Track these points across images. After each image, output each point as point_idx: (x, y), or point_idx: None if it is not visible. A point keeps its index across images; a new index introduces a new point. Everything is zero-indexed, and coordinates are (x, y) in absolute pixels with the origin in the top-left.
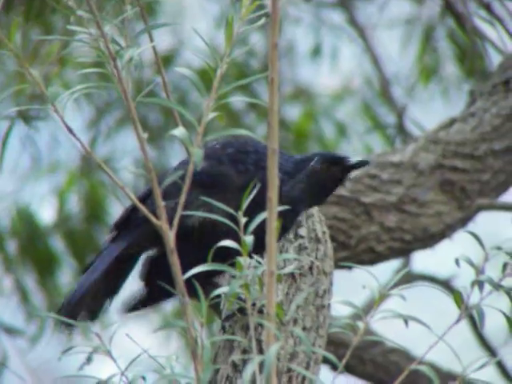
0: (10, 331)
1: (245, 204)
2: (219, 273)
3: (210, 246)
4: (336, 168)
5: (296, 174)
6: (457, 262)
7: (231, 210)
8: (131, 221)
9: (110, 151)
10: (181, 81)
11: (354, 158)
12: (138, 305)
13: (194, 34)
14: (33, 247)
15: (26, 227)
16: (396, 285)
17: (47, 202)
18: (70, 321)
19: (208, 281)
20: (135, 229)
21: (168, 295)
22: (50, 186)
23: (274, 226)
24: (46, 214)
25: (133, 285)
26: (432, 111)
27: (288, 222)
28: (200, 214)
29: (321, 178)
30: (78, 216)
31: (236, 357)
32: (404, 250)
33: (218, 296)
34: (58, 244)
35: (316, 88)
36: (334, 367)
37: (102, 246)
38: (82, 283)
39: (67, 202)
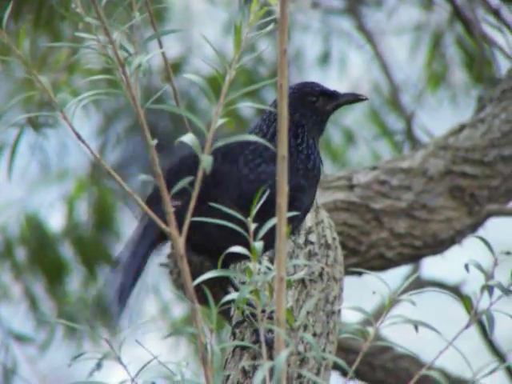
0: (20, 338)
1: (255, 209)
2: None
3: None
4: (331, 103)
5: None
6: (466, 267)
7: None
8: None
9: (118, 158)
10: (190, 87)
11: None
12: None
13: (202, 41)
14: (42, 254)
15: (35, 234)
16: (406, 291)
17: (56, 209)
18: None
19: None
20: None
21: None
22: (58, 193)
23: (283, 232)
24: (55, 221)
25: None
26: (440, 117)
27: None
28: (210, 220)
29: (319, 113)
30: (86, 223)
31: (246, 363)
32: (414, 256)
33: (228, 302)
34: (66, 251)
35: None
36: (344, 373)
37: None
38: (127, 272)
39: (76, 209)
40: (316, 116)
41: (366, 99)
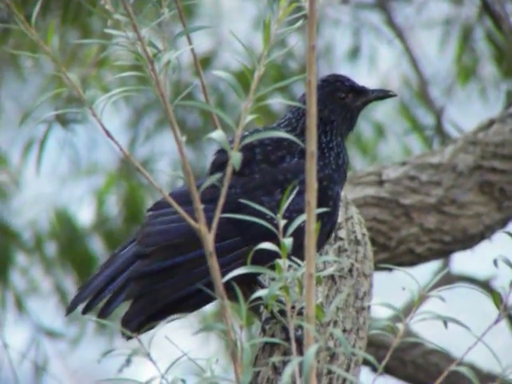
0: (50, 334)
1: (284, 206)
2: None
3: None
4: (360, 99)
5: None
6: (495, 262)
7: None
8: None
9: (148, 153)
10: (219, 83)
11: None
12: None
13: (232, 36)
14: (72, 249)
15: (65, 229)
16: (435, 286)
17: (86, 203)
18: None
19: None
20: None
21: None
22: (88, 187)
23: (312, 229)
24: (85, 215)
25: None
26: (470, 112)
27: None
28: (239, 216)
29: (349, 109)
30: (116, 217)
31: (276, 358)
32: (443, 252)
33: (258, 298)
34: (96, 245)
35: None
36: (375, 369)
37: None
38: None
39: (106, 203)
40: (346, 112)
41: (395, 95)
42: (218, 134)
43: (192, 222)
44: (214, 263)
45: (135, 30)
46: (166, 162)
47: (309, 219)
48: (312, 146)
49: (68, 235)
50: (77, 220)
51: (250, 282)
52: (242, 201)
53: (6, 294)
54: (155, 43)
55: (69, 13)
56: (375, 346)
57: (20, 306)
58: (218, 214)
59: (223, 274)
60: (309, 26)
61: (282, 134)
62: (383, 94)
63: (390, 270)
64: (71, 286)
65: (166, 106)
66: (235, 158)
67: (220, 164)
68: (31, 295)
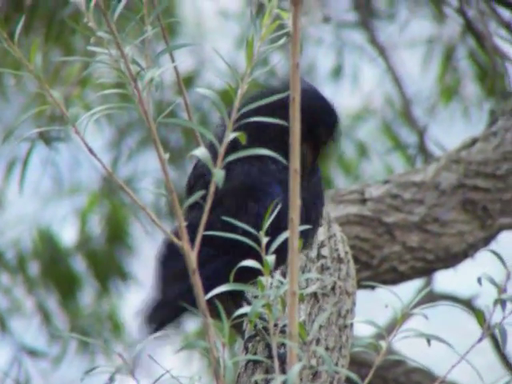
0: (33, 353)
1: (267, 223)
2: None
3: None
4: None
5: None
6: (479, 280)
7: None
8: None
9: (131, 172)
10: (202, 101)
11: None
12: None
13: (214, 55)
14: (54, 268)
15: (48, 248)
16: (418, 304)
17: (68, 223)
18: None
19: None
20: None
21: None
22: (71, 207)
23: (295, 246)
24: (68, 235)
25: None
26: (453, 131)
27: None
28: (222, 234)
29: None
30: (99, 237)
31: (259, 376)
32: (426, 270)
33: (240, 316)
34: (79, 265)
35: (337, 108)
36: None
37: None
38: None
39: (88, 223)
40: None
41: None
42: (200, 152)
43: (175, 240)
44: (196, 281)
45: (118, 48)
46: (149, 180)
47: (292, 236)
48: (295, 163)
49: (51, 255)
50: (60, 239)
51: (234, 298)
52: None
53: None
54: (138, 61)
55: (52, 31)
56: (358, 364)
57: (3, 325)
58: (201, 231)
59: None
60: (292, 44)
61: (263, 151)
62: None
63: (372, 287)
64: (54, 306)
65: (149, 124)
66: (218, 175)
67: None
68: (14, 314)
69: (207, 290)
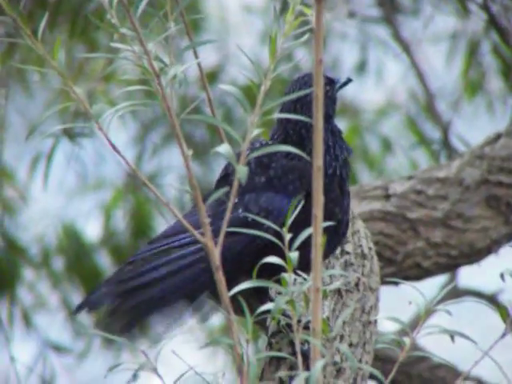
0: (58, 349)
1: (290, 220)
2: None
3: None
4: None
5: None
6: (502, 276)
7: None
8: None
9: (155, 167)
10: (225, 97)
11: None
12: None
13: (238, 51)
14: (79, 264)
15: (73, 244)
16: (442, 300)
17: (93, 218)
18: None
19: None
20: None
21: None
22: (95, 202)
23: (319, 243)
24: (92, 230)
25: None
26: (477, 126)
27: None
28: (246, 231)
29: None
30: (123, 232)
31: (282, 373)
32: (450, 266)
33: (264, 312)
34: (104, 260)
35: (361, 103)
36: (381, 383)
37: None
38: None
39: (113, 218)
40: (333, 104)
41: (351, 80)
42: (224, 148)
43: (199, 237)
44: (220, 277)
45: (142, 44)
46: (173, 176)
47: (315, 233)
48: (318, 160)
49: (75, 250)
50: (84, 235)
51: (258, 294)
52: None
53: (14, 309)
54: (162, 57)
55: (76, 27)
56: (382, 360)
57: (27, 321)
58: (224, 228)
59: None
60: (316, 40)
61: (288, 148)
62: (345, 81)
63: (396, 284)
64: (78, 301)
65: (172, 120)
66: (241, 171)
67: (223, 176)
68: (38, 310)
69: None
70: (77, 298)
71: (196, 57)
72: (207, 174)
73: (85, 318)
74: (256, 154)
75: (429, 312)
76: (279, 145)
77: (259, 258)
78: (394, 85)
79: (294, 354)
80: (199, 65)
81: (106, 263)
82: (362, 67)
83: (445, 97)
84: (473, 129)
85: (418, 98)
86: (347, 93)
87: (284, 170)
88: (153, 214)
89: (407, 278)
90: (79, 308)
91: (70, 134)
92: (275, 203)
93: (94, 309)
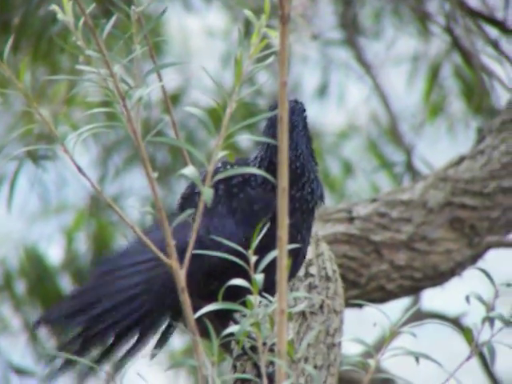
0: (20, 371)
1: (256, 241)
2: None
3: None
4: None
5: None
6: (467, 299)
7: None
8: None
9: (117, 190)
10: (188, 119)
11: None
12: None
13: (201, 73)
14: (41, 287)
15: (35, 267)
16: (406, 323)
17: (55, 241)
18: None
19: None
20: None
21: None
22: (57, 225)
23: (284, 265)
24: (54, 253)
25: None
26: (439, 148)
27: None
28: (210, 253)
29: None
30: (85, 255)
31: None
32: (414, 288)
33: (229, 334)
34: (66, 283)
35: (322, 126)
36: None
37: None
38: None
39: (75, 241)
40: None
41: None
42: (189, 170)
43: (164, 258)
44: (185, 299)
45: (107, 66)
46: (136, 199)
47: (280, 254)
48: (284, 181)
49: (37, 273)
50: (46, 258)
51: (221, 317)
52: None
53: None
54: (126, 80)
55: (39, 50)
56: (346, 382)
57: None
58: (190, 250)
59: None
60: (280, 62)
61: (252, 170)
62: None
63: (360, 306)
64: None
65: (138, 143)
66: (207, 193)
67: (187, 196)
68: (1, 333)
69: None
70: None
71: (160, 79)
72: (169, 197)
73: (47, 339)
74: (222, 175)
75: (393, 334)
76: (244, 167)
77: (221, 280)
78: (356, 107)
79: (259, 376)
80: (163, 87)
81: (67, 286)
82: (323, 90)
83: (407, 119)
84: (435, 151)
85: (379, 120)
86: (309, 115)
87: (249, 200)
88: (115, 236)
89: (371, 301)
90: (37, 323)
91: (34, 157)
92: (231, 229)
93: (53, 325)
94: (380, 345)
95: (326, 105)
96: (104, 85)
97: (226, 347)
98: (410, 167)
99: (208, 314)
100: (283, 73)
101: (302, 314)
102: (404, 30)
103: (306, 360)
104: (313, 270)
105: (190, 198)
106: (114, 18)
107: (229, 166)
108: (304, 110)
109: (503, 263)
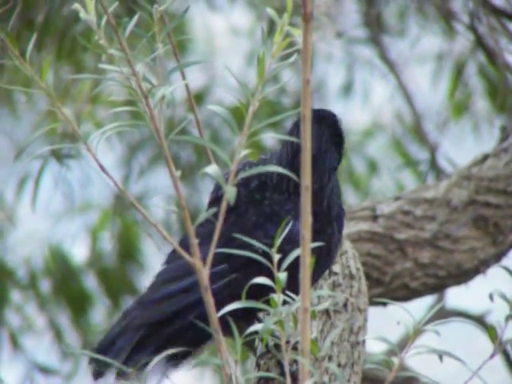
0: (45, 370)
1: (279, 239)
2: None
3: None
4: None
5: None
6: (491, 297)
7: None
8: None
9: (142, 189)
10: (213, 118)
11: None
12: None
13: (225, 72)
14: (66, 286)
15: (59, 266)
16: (430, 321)
17: (80, 240)
18: None
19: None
20: None
21: None
22: (82, 224)
23: (307, 263)
24: (79, 252)
25: None
26: (464, 147)
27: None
28: (236, 251)
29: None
30: (110, 254)
31: None
32: (438, 286)
33: (253, 333)
34: (90, 282)
35: (347, 124)
36: None
37: None
38: None
39: (100, 240)
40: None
41: None
42: (212, 169)
43: (187, 257)
44: (208, 298)
45: (130, 65)
46: (160, 197)
47: (303, 253)
48: (306, 180)
49: (62, 272)
50: (71, 257)
51: (246, 316)
52: (235, 235)
53: (1, 331)
54: (149, 78)
55: (63, 48)
56: (370, 380)
57: (15, 342)
58: (212, 249)
59: (216, 304)
60: (303, 60)
61: (276, 168)
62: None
63: (384, 304)
64: (65, 323)
65: (160, 142)
66: (230, 192)
67: (214, 201)
68: (26, 332)
69: (218, 306)
70: (63, 319)
71: (183, 78)
72: (194, 196)
73: (72, 339)
74: (244, 174)
75: (417, 332)
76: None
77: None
78: (380, 106)
79: (282, 374)
80: (187, 86)
81: (92, 285)
82: (348, 88)
83: (431, 117)
84: (459, 150)
85: (403, 118)
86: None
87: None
88: (140, 235)
89: (395, 299)
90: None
91: (58, 156)
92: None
93: (107, 369)
94: (404, 343)
95: (351, 103)
96: (127, 84)
97: (249, 346)
98: (434, 165)
99: (233, 312)
100: (306, 71)
101: (326, 312)
102: (428, 28)
103: (330, 358)
104: (336, 267)
105: (215, 202)
106: (136, 17)
107: (246, 166)
108: (336, 122)
109: None
